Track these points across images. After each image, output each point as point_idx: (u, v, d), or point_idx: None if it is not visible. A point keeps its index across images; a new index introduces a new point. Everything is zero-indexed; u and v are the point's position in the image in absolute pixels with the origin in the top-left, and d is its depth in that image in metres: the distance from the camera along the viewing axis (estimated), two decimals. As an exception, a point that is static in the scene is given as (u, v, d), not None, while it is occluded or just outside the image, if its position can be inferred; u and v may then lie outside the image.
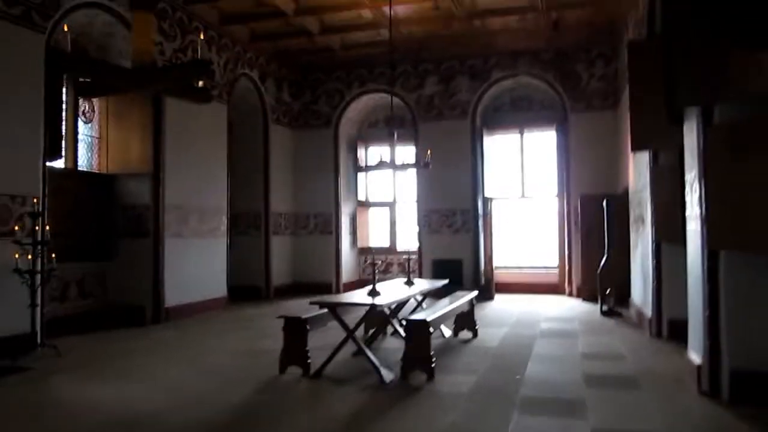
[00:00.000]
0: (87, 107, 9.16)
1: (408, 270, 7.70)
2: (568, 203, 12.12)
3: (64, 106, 8.12)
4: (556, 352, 6.70)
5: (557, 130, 12.42)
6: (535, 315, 9.62)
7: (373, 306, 5.61)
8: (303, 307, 6.45)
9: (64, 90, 8.09)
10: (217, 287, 10.63)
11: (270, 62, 12.44)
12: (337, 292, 12.59)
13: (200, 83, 4.23)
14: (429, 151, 10.42)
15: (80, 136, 9.01)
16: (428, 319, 5.59)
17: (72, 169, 8.78)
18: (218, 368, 6.17)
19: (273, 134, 12.57)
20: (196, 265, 9.95)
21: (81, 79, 4.37)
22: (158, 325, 8.86)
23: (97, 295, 8.96)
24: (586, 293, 11.20)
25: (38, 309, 6.75)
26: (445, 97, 12.67)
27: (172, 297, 9.31)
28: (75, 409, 4.81)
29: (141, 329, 8.56)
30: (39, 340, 6.72)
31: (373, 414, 4.66)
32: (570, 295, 11.92)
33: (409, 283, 7.34)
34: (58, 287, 8.21)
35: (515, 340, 7.47)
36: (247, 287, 11.93)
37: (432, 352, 5.55)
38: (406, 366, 5.53)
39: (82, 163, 9.06)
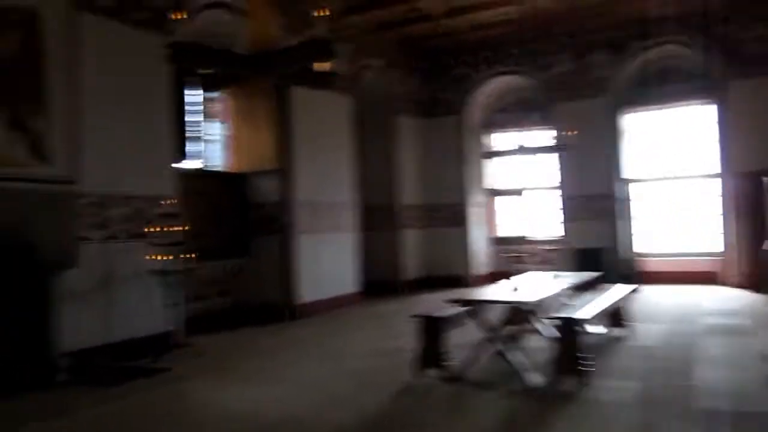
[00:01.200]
0: (221, 107, 9.27)
1: (545, 261, 7.08)
2: (728, 183, 10.85)
3: (193, 107, 8.22)
4: (729, 353, 5.86)
5: (711, 103, 11.16)
6: (695, 308, 8.65)
7: (519, 304, 5.11)
8: (436, 303, 6.06)
9: (192, 92, 8.19)
10: (350, 283, 10.48)
11: (395, 51, 12.11)
12: (470, 285, 12.09)
13: (321, 66, 3.93)
14: (565, 134, 9.67)
15: (214, 137, 9.14)
16: (580, 317, 5.00)
17: (203, 170, 8.90)
18: (353, 369, 5.91)
19: (400, 125, 12.26)
20: (329, 260, 9.84)
21: (204, 72, 4.27)
22: (292, 323, 8.80)
23: (236, 293, 9.05)
24: (750, 282, 9.97)
25: (176, 309, 6.80)
26: (579, 74, 11.75)
27: (305, 293, 9.23)
28: (213, 413, 4.72)
29: (276, 326, 8.52)
30: (178, 340, 6.76)
31: (522, 425, 4.18)
32: (730, 285, 10.68)
33: (555, 276, 6.73)
34: (198, 286, 8.33)
35: (677, 339, 6.66)
36: (379, 282, 11.71)
37: (585, 354, 4.96)
38: (556, 369, 4.98)
39: (219, 164, 9.17)
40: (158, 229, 6.76)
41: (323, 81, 4.10)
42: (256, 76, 3.45)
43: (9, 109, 5.22)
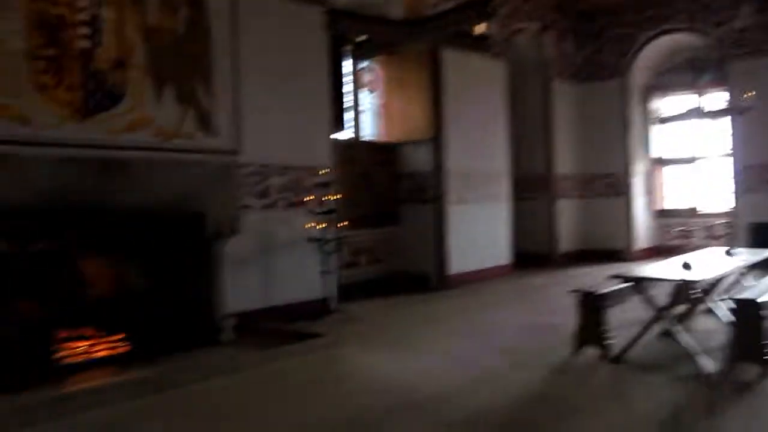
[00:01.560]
0: (371, 77, 9.32)
1: (715, 236, 6.43)
2: None
3: (347, 78, 8.31)
4: None
5: None
6: None
7: (690, 282, 4.68)
8: (593, 277, 5.73)
9: (345, 63, 8.27)
10: (501, 254, 10.26)
11: (550, 12, 11.53)
12: (630, 260, 11.40)
13: (478, 28, 3.73)
14: (741, 95, 8.72)
15: (366, 107, 9.23)
16: (762, 300, 4.49)
17: (358, 140, 9.02)
18: (506, 343, 5.75)
19: (555, 90, 11.70)
20: (480, 231, 9.67)
21: (358, 40, 4.26)
22: (441, 293, 8.76)
23: (385, 262, 9.17)
24: None
25: (330, 276, 6.98)
26: (762, 28, 10.53)
27: (456, 264, 9.15)
28: (363, 381, 4.78)
29: (426, 296, 8.53)
30: (331, 306, 6.95)
31: (691, 415, 3.84)
32: None
33: (729, 253, 6.12)
34: (349, 254, 8.53)
35: None
36: (531, 254, 11.36)
37: (766, 341, 4.46)
38: (732, 355, 4.53)
39: (369, 133, 9.27)
40: (314, 197, 6.95)
41: (477, 45, 3.91)
42: (411, 41, 3.35)
43: (179, 84, 5.53)
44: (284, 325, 6.26)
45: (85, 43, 4.96)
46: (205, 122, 5.72)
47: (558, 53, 11.82)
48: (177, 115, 5.53)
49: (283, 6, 6.83)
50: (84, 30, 4.96)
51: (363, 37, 4.45)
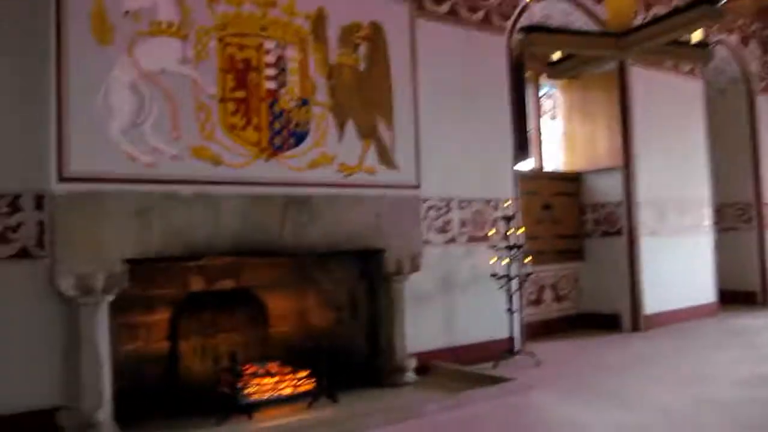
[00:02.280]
0: (552, 104, 8.90)
1: None
2: None
3: (528, 106, 7.95)
4: None
5: None
6: None
7: None
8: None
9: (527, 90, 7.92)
10: (703, 291, 9.21)
11: (752, 22, 10.38)
12: None
13: (699, 35, 3.27)
14: None
15: (546, 135, 8.78)
16: None
17: (539, 170, 8.57)
18: (721, 399, 4.96)
19: (760, 107, 10.45)
20: (677, 266, 8.73)
21: (551, 61, 3.96)
22: (636, 335, 7.98)
23: (571, 299, 8.58)
24: None
25: (515, 314, 6.55)
26: None
27: (651, 303, 8.30)
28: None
29: (619, 338, 7.81)
30: (516, 347, 6.51)
31: None
32: None
33: None
34: (533, 291, 8.07)
35: None
36: (737, 291, 10.12)
37: None
38: None
39: (551, 163, 8.80)
40: (497, 231, 6.62)
41: (695, 50, 3.43)
42: (617, 54, 3.01)
43: (360, 120, 5.49)
44: (468, 367, 5.93)
45: (270, 84, 5.07)
46: (385, 157, 5.63)
47: (762, 66, 10.58)
48: (359, 151, 5.49)
49: (463, 34, 6.66)
50: (270, 71, 5.08)
51: (555, 57, 4.11)
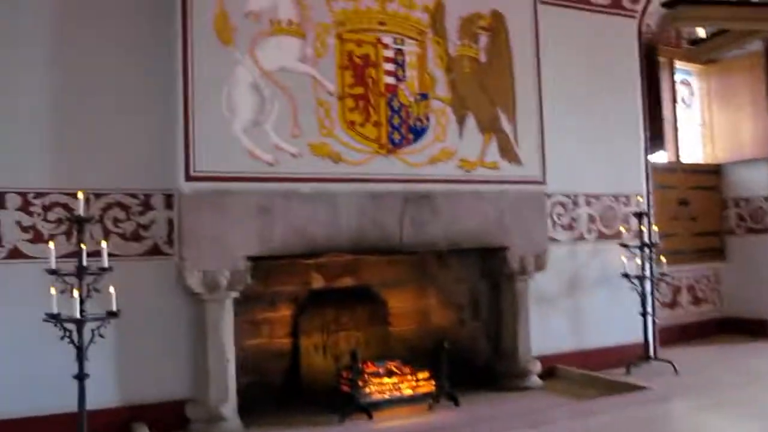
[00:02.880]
0: (687, 92, 8.26)
1: None
2: None
3: (662, 93, 7.41)
4: None
5: None
6: None
7: None
8: None
9: (662, 78, 7.40)
10: None
11: None
12: None
13: None
14: None
15: (682, 124, 8.16)
16: None
17: (675, 163, 7.97)
18: None
19: None
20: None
21: (691, 42, 3.58)
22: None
23: (711, 302, 7.93)
24: None
25: (649, 318, 6.10)
26: None
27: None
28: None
29: (764, 346, 7.11)
30: (650, 352, 6.06)
31: None
32: None
33: None
34: (668, 293, 7.51)
35: None
36: None
37: None
38: None
39: (687, 155, 8.17)
40: (628, 229, 6.20)
41: None
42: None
43: (481, 113, 5.30)
44: (598, 373, 5.57)
45: (389, 79, 4.99)
46: (508, 151, 5.39)
47: None
48: (480, 146, 5.29)
49: (589, 19, 6.29)
50: (388, 66, 4.99)
51: (702, 34, 3.69)
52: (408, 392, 4.92)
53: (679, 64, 8.08)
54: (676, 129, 8.08)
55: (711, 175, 8.10)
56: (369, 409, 4.64)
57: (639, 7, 6.56)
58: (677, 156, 8.05)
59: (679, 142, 8.10)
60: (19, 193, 4.21)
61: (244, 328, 5.09)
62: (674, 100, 8.07)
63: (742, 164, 7.89)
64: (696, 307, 7.80)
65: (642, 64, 6.60)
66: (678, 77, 8.14)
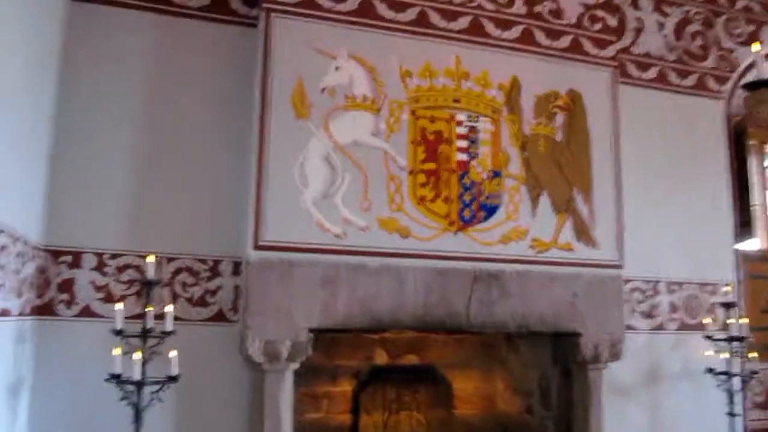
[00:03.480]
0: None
1: None
2: None
3: (753, 177, 7.06)
4: None
5: None
6: None
7: None
8: None
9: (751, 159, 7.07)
10: None
11: None
12: None
13: None
14: None
15: (773, 212, 7.72)
16: None
17: (766, 251, 7.49)
18: None
19: None
20: None
21: None
22: None
23: (810, 405, 7.25)
24: None
25: (738, 419, 5.61)
26: None
27: None
28: None
29: None
30: (741, 459, 5.55)
31: None
32: None
33: None
34: (760, 392, 6.92)
35: None
36: None
37: None
38: None
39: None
40: (714, 320, 5.81)
41: None
42: None
43: (556, 193, 5.17)
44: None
45: (462, 156, 4.96)
46: (583, 233, 5.21)
47: None
48: (554, 226, 5.14)
49: (673, 100, 6.13)
50: (461, 143, 4.98)
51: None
52: (469, 481, 4.66)
53: (771, 148, 7.71)
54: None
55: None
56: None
57: (726, 89, 6.36)
58: (769, 244, 7.58)
59: (772, 229, 7.63)
60: (95, 254, 4.37)
61: (304, 401, 5.02)
62: (766, 184, 7.66)
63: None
64: (792, 409, 7.14)
65: (729, 147, 6.33)
66: (770, 162, 7.76)
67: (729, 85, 6.38)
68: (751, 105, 2.76)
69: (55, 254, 4.29)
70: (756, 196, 7.32)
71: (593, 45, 5.48)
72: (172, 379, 3.91)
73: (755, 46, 2.75)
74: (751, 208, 6.61)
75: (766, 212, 7.58)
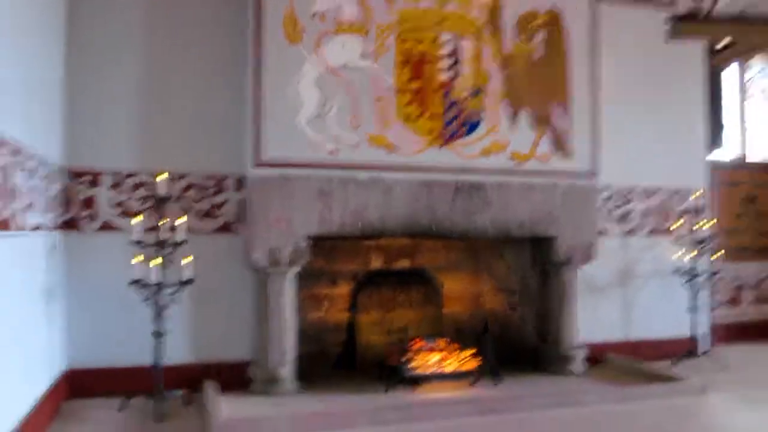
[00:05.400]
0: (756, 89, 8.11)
1: None
2: None
3: (722, 91, 7.36)
4: None
5: None
6: None
7: None
8: None
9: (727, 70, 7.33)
10: None
11: None
12: None
13: None
14: None
15: (755, 121, 8.03)
16: None
17: (742, 160, 7.86)
18: None
19: None
20: None
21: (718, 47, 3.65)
22: None
23: (774, 301, 7.82)
24: None
25: (700, 314, 6.17)
26: None
27: None
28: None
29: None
30: (700, 348, 6.12)
31: None
32: None
33: None
34: (729, 290, 7.48)
35: None
36: None
37: None
38: None
39: (757, 151, 8.03)
40: (683, 224, 6.27)
41: None
42: None
43: (534, 108, 5.51)
44: (641, 363, 5.73)
45: (445, 75, 5.30)
46: (560, 145, 5.59)
47: None
48: (532, 139, 5.52)
49: (650, 16, 6.36)
50: (445, 63, 5.31)
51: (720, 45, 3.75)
52: (452, 368, 5.25)
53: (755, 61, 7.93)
54: (744, 126, 7.95)
55: (779, 171, 7.94)
56: (413, 382, 5.02)
57: (704, 6, 6.56)
58: (745, 153, 7.94)
59: (750, 139, 7.97)
60: (112, 174, 4.83)
61: (307, 302, 5.60)
62: (743, 96, 7.95)
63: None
64: (760, 305, 7.70)
65: (705, 62, 6.59)
66: (751, 73, 8.00)
67: (707, 3, 6.58)
68: (674, 36, 3.08)
69: (77, 175, 4.75)
70: (734, 109, 7.66)
71: (573, -37, 5.69)
72: (187, 282, 4.44)
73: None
74: (721, 120, 6.91)
75: (742, 123, 7.92)
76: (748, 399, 5.00)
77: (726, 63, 3.48)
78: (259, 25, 4.82)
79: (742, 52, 3.04)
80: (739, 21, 4.26)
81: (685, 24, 3.11)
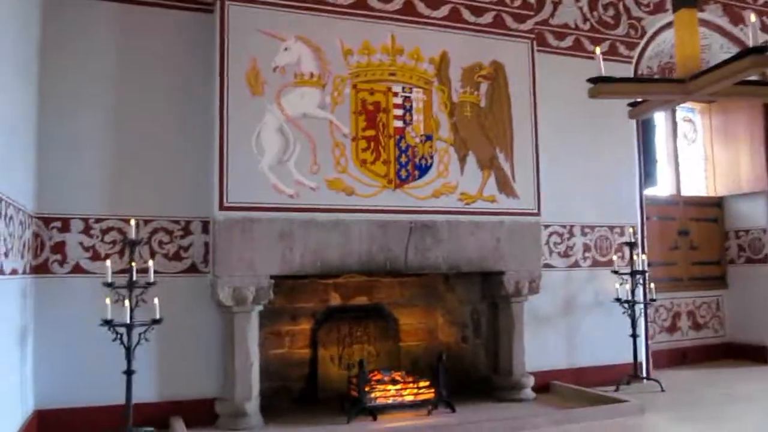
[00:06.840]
0: (690, 128, 8.78)
1: None
2: None
3: (654, 132, 7.98)
4: None
5: None
6: None
7: None
8: None
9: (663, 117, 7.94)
10: None
11: None
12: None
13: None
14: None
15: (685, 159, 8.68)
16: None
17: (676, 195, 8.48)
18: None
19: None
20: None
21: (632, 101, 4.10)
22: (784, 368, 7.64)
23: (712, 328, 8.35)
24: None
25: (641, 340, 6.63)
26: None
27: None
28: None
29: (760, 370, 7.51)
30: (641, 372, 6.56)
31: None
32: None
33: None
34: (666, 318, 7.99)
35: None
36: None
37: None
38: None
39: (690, 188, 8.66)
40: (621, 257, 6.76)
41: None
42: (684, 98, 3.08)
43: (480, 152, 5.95)
44: (586, 388, 6.12)
45: (398, 123, 5.71)
46: (505, 186, 6.03)
47: None
48: (479, 181, 5.94)
49: (586, 65, 6.90)
50: (397, 112, 5.72)
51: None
52: (410, 398, 5.54)
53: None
54: (677, 164, 8.60)
55: (713, 207, 8.56)
56: (374, 412, 5.29)
57: (635, 54, 7.18)
58: (678, 189, 8.56)
59: (681, 176, 8.61)
60: (82, 219, 5.05)
61: (269, 339, 5.84)
62: (675, 137, 8.61)
63: (741, 197, 8.33)
64: (696, 331, 8.23)
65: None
66: (681, 115, 8.69)
67: (637, 51, 7.20)
68: (594, 95, 3.52)
69: (47, 221, 4.95)
70: (666, 148, 8.30)
71: (513, 19, 6.23)
72: (156, 321, 4.66)
73: (597, 50, 3.53)
74: (655, 159, 7.49)
75: (675, 161, 8.56)
76: (683, 417, 5.43)
77: (644, 114, 3.89)
78: (222, 78, 5.15)
79: (657, 105, 3.42)
80: (645, 81, 4.81)
81: (600, 85, 3.55)
